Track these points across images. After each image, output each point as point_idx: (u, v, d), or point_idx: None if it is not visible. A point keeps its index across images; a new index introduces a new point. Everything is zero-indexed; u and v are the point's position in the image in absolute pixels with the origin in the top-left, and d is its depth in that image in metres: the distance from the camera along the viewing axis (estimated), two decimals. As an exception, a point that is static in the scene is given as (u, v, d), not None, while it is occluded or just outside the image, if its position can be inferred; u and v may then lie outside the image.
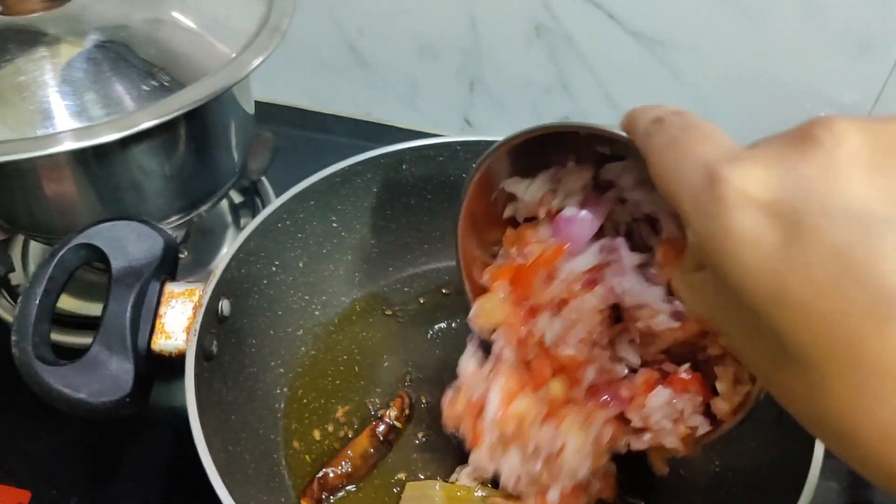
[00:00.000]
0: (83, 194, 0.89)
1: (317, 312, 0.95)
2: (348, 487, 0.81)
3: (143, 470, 0.93)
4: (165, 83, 0.84)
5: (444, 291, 0.99)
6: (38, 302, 0.76)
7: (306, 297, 0.93)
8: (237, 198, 1.21)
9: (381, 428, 0.83)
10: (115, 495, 0.91)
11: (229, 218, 1.19)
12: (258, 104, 1.05)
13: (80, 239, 0.79)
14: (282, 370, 0.90)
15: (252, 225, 0.85)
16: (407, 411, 0.85)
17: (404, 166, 0.95)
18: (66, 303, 1.05)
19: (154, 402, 0.99)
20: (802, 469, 0.69)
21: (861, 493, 0.96)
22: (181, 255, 1.12)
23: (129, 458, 0.94)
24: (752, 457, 0.80)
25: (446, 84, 1.29)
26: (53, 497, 0.88)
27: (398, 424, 0.84)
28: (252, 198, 1.20)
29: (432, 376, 0.91)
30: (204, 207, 1.02)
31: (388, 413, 0.85)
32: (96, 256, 0.80)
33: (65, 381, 0.73)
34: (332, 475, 0.80)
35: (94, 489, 0.91)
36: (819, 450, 0.69)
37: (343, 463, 0.80)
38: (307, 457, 0.84)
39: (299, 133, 1.35)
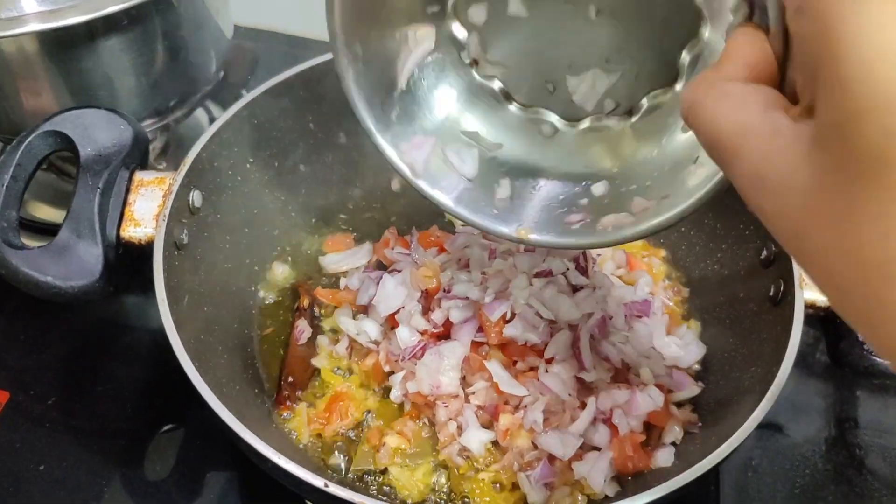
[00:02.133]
0: (53, 87, 0.87)
1: (293, 214, 0.93)
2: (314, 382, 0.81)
3: (121, 374, 0.92)
4: (133, -28, 0.82)
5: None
6: (4, 188, 0.74)
7: (282, 198, 0.92)
8: (217, 111, 1.18)
9: (301, 321, 0.84)
10: (92, 396, 0.90)
11: (209, 132, 1.17)
12: (242, 28, 1.02)
13: (48, 126, 0.78)
14: (256, 268, 0.89)
15: (224, 116, 0.83)
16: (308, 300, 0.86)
17: (382, 65, 0.92)
18: (42, 211, 1.04)
19: (131, 311, 1.01)
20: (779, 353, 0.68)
21: (846, 410, 0.96)
22: (160, 167, 1.10)
23: (108, 362, 0.93)
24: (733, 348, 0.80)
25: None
26: (31, 398, 0.88)
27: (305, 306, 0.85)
28: (232, 112, 1.18)
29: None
30: (178, 113, 1.01)
31: (301, 304, 0.86)
32: (64, 144, 0.78)
33: (32, 265, 0.71)
34: (291, 378, 0.80)
35: (72, 391, 0.91)
36: (796, 334, 0.69)
37: (295, 361, 0.80)
38: (282, 351, 0.83)
39: (284, 50, 1.32)
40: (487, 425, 0.74)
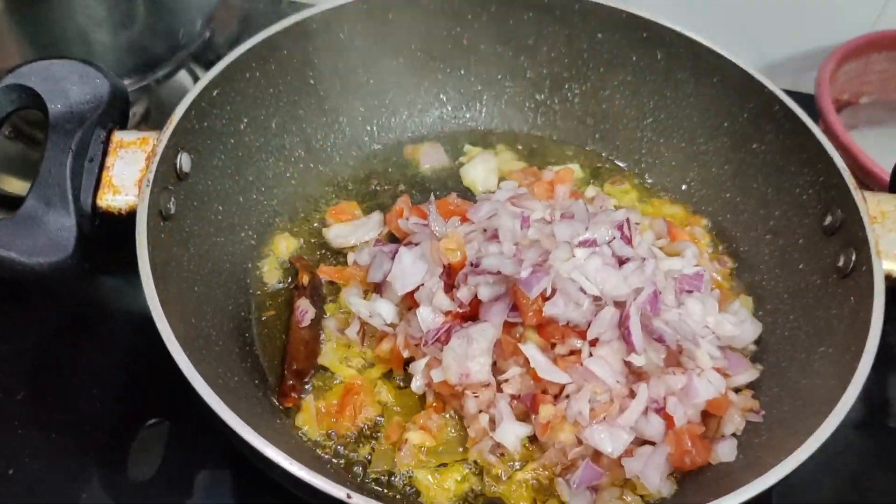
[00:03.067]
0: (23, 41, 0.77)
1: (293, 181, 0.83)
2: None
3: (100, 363, 0.83)
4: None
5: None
6: (-41, 151, 0.65)
7: (281, 164, 0.82)
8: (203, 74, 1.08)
9: (303, 301, 0.74)
10: (68, 389, 0.81)
11: (194, 97, 1.07)
12: None
13: (11, 79, 0.67)
14: (253, 242, 0.79)
15: (213, 71, 0.73)
16: (307, 276, 0.76)
17: (391, 15, 0.83)
18: (10, 184, 0.94)
19: (111, 292, 0.91)
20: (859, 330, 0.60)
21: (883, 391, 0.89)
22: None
23: (84, 351, 0.84)
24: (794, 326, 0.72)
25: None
26: (-2, 392, 0.78)
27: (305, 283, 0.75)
28: (220, 75, 1.08)
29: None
30: (161, 72, 0.91)
31: (300, 282, 0.76)
32: (30, 100, 0.68)
33: (-9, 238, 0.62)
34: (295, 365, 0.70)
35: (44, 384, 0.81)
36: (879, 308, 0.61)
37: (297, 346, 0.71)
38: (284, 336, 0.73)
39: (275, 8, 1.22)
40: (523, 418, 0.65)
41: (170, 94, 1.04)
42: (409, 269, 0.69)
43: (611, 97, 0.87)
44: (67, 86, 0.68)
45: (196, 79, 1.07)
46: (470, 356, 0.64)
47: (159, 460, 0.77)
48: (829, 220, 0.70)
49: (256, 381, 0.69)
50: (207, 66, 1.06)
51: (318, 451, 0.66)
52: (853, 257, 0.66)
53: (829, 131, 1.00)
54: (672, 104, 0.84)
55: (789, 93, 1.23)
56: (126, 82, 0.86)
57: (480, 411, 0.65)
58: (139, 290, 0.60)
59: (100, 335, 0.86)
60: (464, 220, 0.73)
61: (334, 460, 0.66)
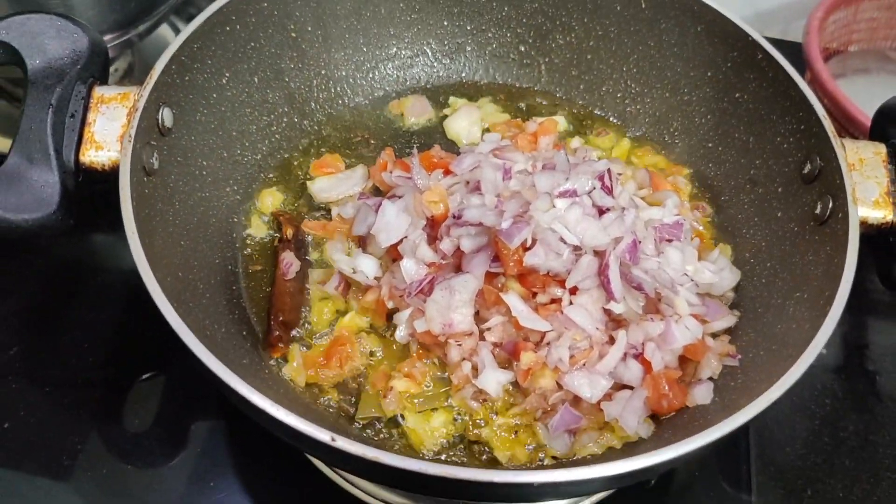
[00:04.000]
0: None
1: (277, 136, 0.83)
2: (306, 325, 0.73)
3: (93, 318, 0.85)
4: None
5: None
6: (-63, 109, 0.64)
7: (265, 119, 0.82)
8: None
9: (287, 253, 0.74)
10: (61, 344, 0.82)
11: (177, 52, 1.05)
12: None
13: (-14, 35, 0.67)
14: (238, 198, 0.79)
15: (193, 24, 0.72)
16: (291, 229, 0.77)
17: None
18: (-2, 142, 0.93)
19: (100, 248, 0.92)
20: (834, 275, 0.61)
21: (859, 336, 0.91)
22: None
23: (77, 306, 0.85)
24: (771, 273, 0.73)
25: None
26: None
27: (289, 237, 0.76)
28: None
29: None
30: (142, 27, 0.90)
31: (284, 235, 0.76)
32: (8, 55, 0.67)
33: (-25, 196, 0.62)
34: (281, 317, 0.71)
35: (38, 339, 0.83)
36: (853, 255, 0.62)
37: (282, 298, 0.72)
38: (270, 289, 0.74)
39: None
40: (505, 365, 0.67)
41: (152, 49, 1.03)
42: (392, 222, 0.70)
43: (595, 48, 0.86)
44: (45, 41, 0.68)
45: (177, 31, 1.06)
46: (453, 307, 0.65)
47: (155, 412, 0.79)
48: (808, 168, 0.71)
49: (244, 333, 0.70)
50: (189, 19, 1.05)
51: (306, 398, 0.68)
52: (830, 205, 0.67)
53: (816, 80, 1.00)
54: (656, 54, 0.84)
55: (779, 41, 1.23)
56: (107, 38, 0.86)
57: (463, 359, 0.66)
58: (127, 246, 0.61)
59: (92, 290, 0.87)
60: (447, 172, 0.74)
61: (322, 408, 0.67)
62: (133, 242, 0.60)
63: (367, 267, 0.71)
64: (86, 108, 0.67)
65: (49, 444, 0.76)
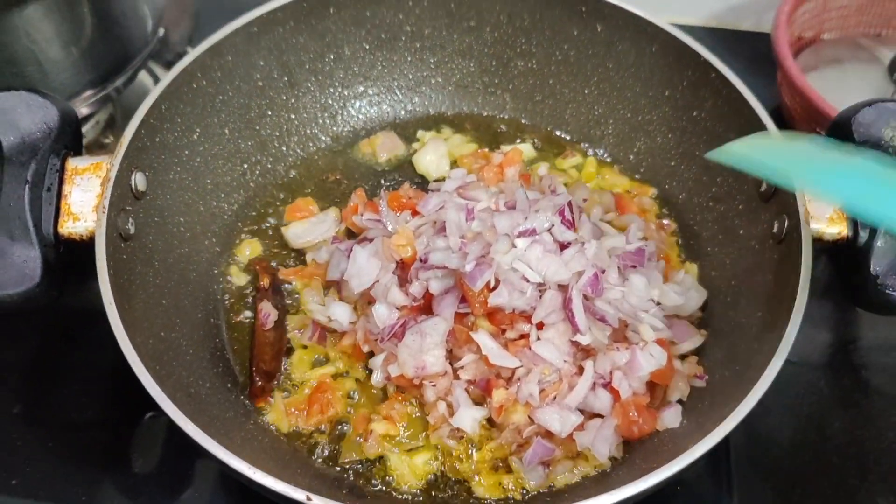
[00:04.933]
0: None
1: (252, 184, 0.85)
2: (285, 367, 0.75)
3: (92, 377, 0.86)
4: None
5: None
6: (-80, 194, 0.67)
7: (238, 169, 0.84)
8: (162, 74, 1.08)
9: (264, 303, 0.77)
10: (60, 399, 0.84)
11: (156, 97, 1.08)
12: None
13: (-41, 117, 0.69)
14: (218, 249, 0.82)
15: (159, 87, 0.74)
16: (267, 278, 0.79)
17: (332, 10, 0.84)
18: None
19: (97, 302, 0.95)
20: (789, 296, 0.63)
21: (846, 332, 0.92)
22: (106, 141, 1.01)
23: (75, 365, 0.87)
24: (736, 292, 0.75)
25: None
26: (-5, 410, 0.82)
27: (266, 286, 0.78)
28: (179, 72, 1.08)
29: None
30: (118, 81, 0.92)
31: (261, 285, 0.79)
32: (-19, 135, 0.70)
33: (-38, 276, 0.65)
34: (262, 364, 0.74)
35: (39, 395, 0.84)
36: (806, 275, 0.63)
37: (262, 348, 0.74)
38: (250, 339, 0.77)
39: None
40: (480, 401, 0.69)
41: (131, 96, 1.05)
42: (363, 268, 0.72)
43: (556, 72, 0.88)
44: (16, 117, 0.70)
45: (155, 78, 1.08)
46: (424, 350, 0.67)
47: (160, 452, 0.81)
48: (764, 186, 0.72)
49: (229, 385, 0.73)
50: (166, 65, 1.08)
51: (289, 445, 0.70)
52: (786, 223, 0.68)
53: (785, 77, 1.01)
54: (615, 76, 0.86)
55: (753, 34, 1.24)
56: (85, 95, 0.88)
57: (438, 399, 0.68)
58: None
59: (91, 336, 0.89)
60: (414, 213, 0.76)
61: (306, 452, 0.70)
62: (111, 312, 0.63)
63: (340, 315, 0.73)
64: (61, 181, 0.69)
65: (60, 494, 0.78)
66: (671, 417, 0.67)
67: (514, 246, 0.67)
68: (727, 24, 1.22)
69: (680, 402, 0.70)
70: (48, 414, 0.84)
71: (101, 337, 0.88)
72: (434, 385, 0.68)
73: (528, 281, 0.67)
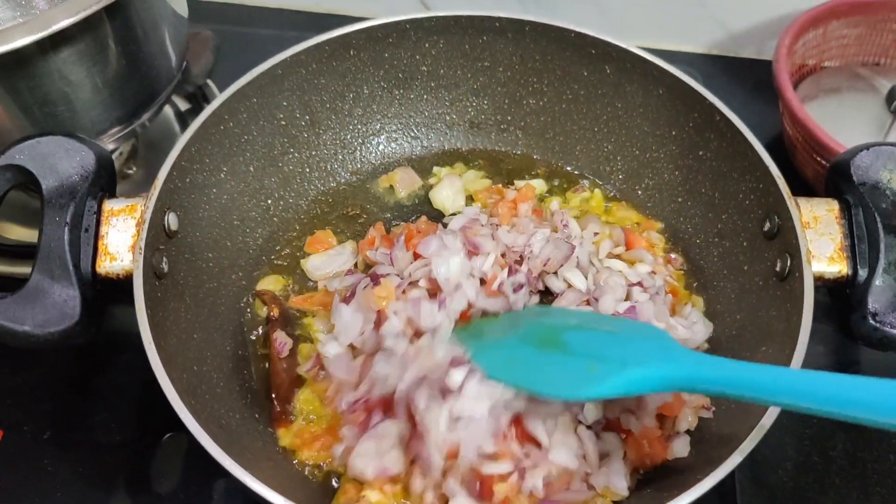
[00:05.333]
0: (7, 111, 0.81)
1: (276, 219, 0.89)
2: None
3: (117, 399, 0.89)
4: (76, -22, 0.76)
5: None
6: (-34, 233, 0.70)
7: (262, 204, 0.88)
8: (183, 105, 1.13)
9: (278, 333, 0.80)
10: (89, 427, 0.87)
11: (177, 127, 1.11)
12: (196, 2, 0.95)
13: (3, 160, 0.72)
14: (244, 283, 0.85)
15: (190, 131, 0.78)
16: (276, 309, 0.82)
17: (352, 52, 0.87)
18: (12, 232, 0.99)
19: (121, 327, 0.98)
20: (792, 334, 0.66)
21: (848, 353, 0.95)
22: (129, 172, 1.05)
23: (102, 387, 0.90)
24: (740, 325, 0.78)
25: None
26: (27, 434, 0.85)
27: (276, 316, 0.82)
28: (199, 104, 1.12)
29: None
30: (145, 117, 0.95)
31: (271, 315, 0.82)
32: (24, 177, 0.73)
33: (6, 315, 0.68)
34: (280, 391, 0.77)
35: (69, 422, 0.87)
36: (808, 315, 0.67)
37: (279, 376, 0.78)
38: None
39: (245, 31, 1.25)
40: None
41: (153, 129, 1.09)
42: (350, 323, 0.75)
43: (566, 111, 0.92)
44: (56, 161, 0.73)
45: (175, 109, 1.12)
46: (382, 453, 0.67)
47: (180, 471, 0.84)
48: (767, 225, 0.75)
49: (257, 416, 0.76)
50: (188, 97, 1.12)
51: (312, 472, 0.73)
52: (788, 263, 0.71)
53: (786, 108, 1.05)
54: (623, 115, 0.89)
55: (754, 61, 1.27)
56: (112, 131, 0.91)
57: (426, 490, 0.66)
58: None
59: (113, 363, 0.92)
60: (416, 256, 0.78)
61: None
62: (150, 350, 0.66)
63: (331, 350, 0.75)
64: (98, 223, 0.73)
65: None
66: (680, 447, 0.70)
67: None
68: (729, 51, 1.26)
69: (688, 431, 0.73)
70: (77, 437, 0.87)
71: (126, 359, 0.93)
72: (423, 475, 0.66)
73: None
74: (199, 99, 1.13)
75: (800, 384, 0.53)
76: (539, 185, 0.92)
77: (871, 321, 0.69)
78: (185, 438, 0.87)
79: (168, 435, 0.86)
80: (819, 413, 0.53)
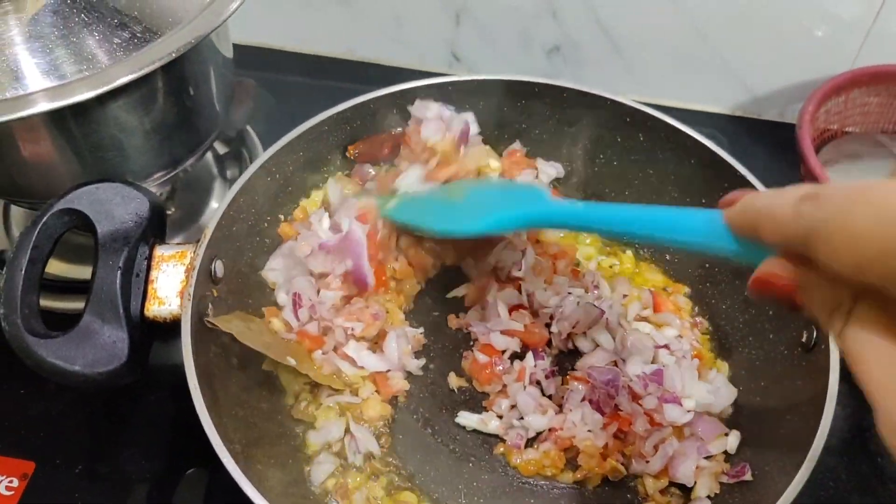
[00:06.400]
0: (62, 156, 0.84)
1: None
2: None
3: (147, 433, 0.91)
4: (138, 33, 0.79)
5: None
6: (24, 272, 0.73)
7: (303, 251, 0.90)
8: (222, 149, 1.16)
9: None
10: (120, 461, 0.89)
11: (215, 170, 1.15)
12: (235, 47, 0.99)
13: (63, 204, 0.76)
14: (283, 327, 0.87)
15: (239, 183, 0.81)
16: None
17: (395, 111, 0.90)
18: (54, 267, 1.02)
19: (153, 362, 1.00)
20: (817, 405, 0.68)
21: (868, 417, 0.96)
22: (168, 212, 1.08)
23: (132, 421, 0.92)
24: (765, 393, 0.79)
25: (431, 15, 1.23)
26: (58, 466, 0.87)
27: None
28: (238, 147, 1.16)
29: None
30: (189, 162, 0.98)
31: None
32: (81, 221, 0.76)
33: (58, 354, 0.70)
34: None
35: (99, 456, 0.89)
36: (833, 389, 0.68)
37: None
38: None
39: (280, 77, 1.29)
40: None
41: (195, 171, 1.13)
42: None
43: (599, 174, 0.95)
44: (112, 207, 0.76)
45: (217, 155, 1.16)
46: None
47: None
48: (795, 297, 0.77)
49: (290, 461, 0.78)
50: (227, 141, 1.16)
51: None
52: (814, 335, 0.73)
53: (808, 173, 1.07)
54: (655, 181, 0.92)
55: (776, 124, 1.30)
56: (157, 175, 0.94)
57: None
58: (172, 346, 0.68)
59: (144, 397, 0.94)
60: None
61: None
62: (196, 396, 0.68)
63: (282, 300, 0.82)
64: (149, 267, 0.75)
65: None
66: (702, 514, 0.72)
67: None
68: (751, 113, 1.29)
69: (709, 497, 0.74)
70: (105, 471, 0.88)
71: (158, 394, 0.95)
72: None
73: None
74: (237, 143, 1.17)
75: (620, 214, 0.63)
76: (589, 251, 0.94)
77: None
78: (205, 473, 0.89)
79: (191, 470, 0.88)
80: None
